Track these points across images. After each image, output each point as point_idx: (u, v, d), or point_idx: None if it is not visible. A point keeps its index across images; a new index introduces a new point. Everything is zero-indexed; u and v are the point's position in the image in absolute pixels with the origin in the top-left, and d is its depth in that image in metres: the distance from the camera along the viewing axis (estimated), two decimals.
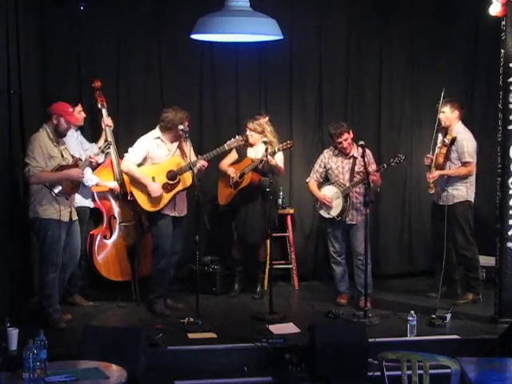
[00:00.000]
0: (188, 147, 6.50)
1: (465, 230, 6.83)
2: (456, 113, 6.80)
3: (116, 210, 6.95)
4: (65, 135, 6.10)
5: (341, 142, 6.72)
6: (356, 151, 6.76)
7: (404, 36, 7.98)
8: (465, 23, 7.95)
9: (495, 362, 4.56)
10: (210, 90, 7.76)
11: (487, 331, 6.03)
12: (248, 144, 6.98)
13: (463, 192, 6.79)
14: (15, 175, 6.51)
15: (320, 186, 6.91)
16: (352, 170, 6.74)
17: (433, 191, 6.84)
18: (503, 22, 6.09)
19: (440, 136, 6.93)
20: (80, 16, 7.11)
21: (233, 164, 7.10)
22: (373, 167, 6.70)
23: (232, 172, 7.00)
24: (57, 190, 5.94)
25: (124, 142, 6.98)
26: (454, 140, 6.71)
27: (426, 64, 7.96)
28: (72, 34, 7.29)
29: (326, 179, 6.92)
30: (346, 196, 6.72)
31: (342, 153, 6.79)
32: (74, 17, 7.15)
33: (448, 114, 6.78)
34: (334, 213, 6.79)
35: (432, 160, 6.81)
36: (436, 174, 6.75)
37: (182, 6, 7.38)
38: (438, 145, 6.85)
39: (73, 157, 6.13)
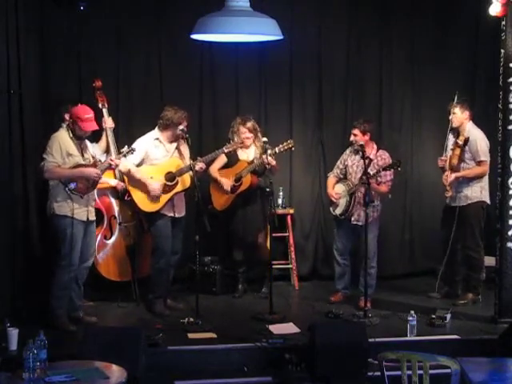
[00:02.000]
0: (186, 148, 6.55)
1: (475, 231, 6.77)
2: (466, 113, 6.74)
3: (116, 209, 6.95)
4: (83, 138, 6.13)
5: (350, 134, 6.80)
6: (373, 154, 6.77)
7: (404, 36, 7.98)
8: (465, 23, 7.95)
9: (495, 362, 4.56)
10: (209, 90, 7.75)
11: (487, 331, 6.03)
12: (242, 142, 6.89)
13: (477, 193, 6.74)
14: (15, 175, 6.51)
15: (337, 182, 6.96)
16: (364, 171, 6.61)
17: (449, 194, 6.74)
18: (503, 22, 6.10)
19: (451, 137, 6.85)
20: (80, 16, 7.10)
21: (223, 168, 7.06)
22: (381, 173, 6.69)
23: (226, 185, 6.96)
24: (71, 186, 5.94)
25: (124, 142, 6.96)
26: (466, 140, 6.64)
27: (425, 64, 7.96)
28: (72, 34, 7.28)
29: (345, 176, 6.94)
30: (351, 195, 6.73)
31: (354, 149, 6.81)
32: (74, 17, 7.15)
33: (459, 115, 6.72)
34: (338, 211, 6.84)
35: (446, 162, 6.75)
36: (453, 177, 6.66)
37: (182, 6, 7.37)
38: (451, 146, 6.77)
39: (93, 158, 6.14)
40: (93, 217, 6.21)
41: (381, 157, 6.80)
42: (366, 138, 6.76)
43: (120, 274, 6.93)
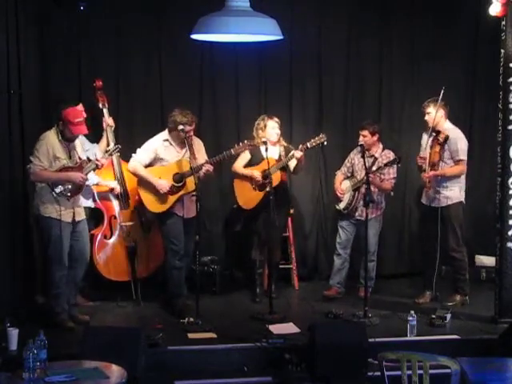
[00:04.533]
0: (201, 147, 6.62)
1: (457, 231, 6.78)
2: (441, 111, 6.71)
3: (116, 209, 6.95)
4: (72, 140, 6.10)
5: (359, 135, 6.95)
6: (379, 153, 6.96)
7: (404, 36, 7.98)
8: (465, 23, 7.94)
9: (495, 362, 4.56)
10: (209, 90, 7.75)
11: (487, 331, 6.04)
12: (252, 145, 6.76)
13: (457, 193, 6.76)
14: (15, 175, 6.51)
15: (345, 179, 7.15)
16: (369, 169, 6.75)
17: (429, 191, 6.77)
18: (503, 22, 6.10)
19: (425, 137, 6.83)
20: (80, 16, 7.11)
21: (248, 166, 6.99)
22: (384, 171, 6.84)
23: (257, 177, 6.87)
24: (58, 190, 5.96)
25: (124, 142, 6.96)
26: (446, 138, 6.63)
27: (425, 64, 7.95)
28: (72, 33, 7.29)
29: (352, 174, 7.11)
30: (355, 191, 6.92)
31: (366, 150, 6.89)
32: (74, 17, 7.15)
33: (433, 115, 6.69)
34: (342, 205, 7.03)
35: (425, 160, 6.72)
36: (431, 174, 6.68)
37: (182, 6, 7.37)
38: (430, 144, 6.72)
39: (80, 159, 6.13)
40: (81, 217, 6.19)
41: (385, 155, 6.99)
42: (375, 138, 6.96)
43: (120, 274, 6.93)
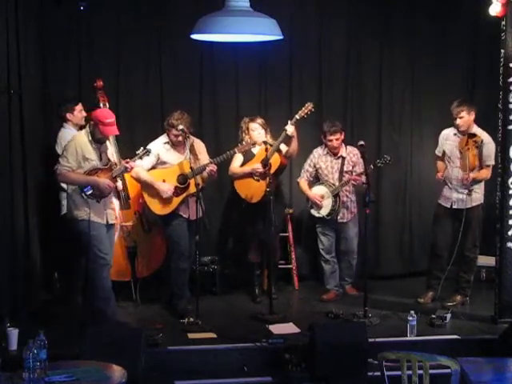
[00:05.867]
0: (202, 148, 6.62)
1: (475, 232, 6.74)
2: (473, 115, 6.65)
3: (117, 210, 6.93)
4: (101, 142, 6.00)
5: (331, 140, 6.87)
6: (345, 152, 6.92)
7: (404, 36, 7.98)
8: (465, 23, 7.94)
9: (495, 362, 4.55)
10: (210, 90, 7.75)
11: (487, 331, 6.04)
12: (255, 143, 6.80)
13: (480, 195, 6.72)
14: (15, 175, 6.50)
15: (311, 185, 7.05)
16: (341, 170, 6.87)
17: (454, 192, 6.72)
18: (503, 22, 6.10)
19: (451, 139, 6.75)
20: (80, 16, 7.10)
21: (243, 165, 7.00)
22: (359, 169, 6.83)
23: (258, 166, 6.82)
24: (88, 192, 5.88)
25: (124, 142, 6.96)
26: (481, 142, 6.55)
27: (426, 64, 7.95)
28: (72, 34, 7.29)
29: (316, 178, 7.04)
30: (335, 196, 6.87)
31: (332, 152, 6.93)
32: (74, 17, 7.15)
33: (466, 118, 6.61)
34: (324, 212, 6.94)
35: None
36: (471, 176, 6.56)
37: (182, 6, 7.37)
38: (465, 147, 6.59)
39: (109, 160, 6.07)
40: (112, 220, 6.13)
41: (352, 153, 6.96)
42: (343, 137, 6.94)
43: (120, 274, 6.91)
